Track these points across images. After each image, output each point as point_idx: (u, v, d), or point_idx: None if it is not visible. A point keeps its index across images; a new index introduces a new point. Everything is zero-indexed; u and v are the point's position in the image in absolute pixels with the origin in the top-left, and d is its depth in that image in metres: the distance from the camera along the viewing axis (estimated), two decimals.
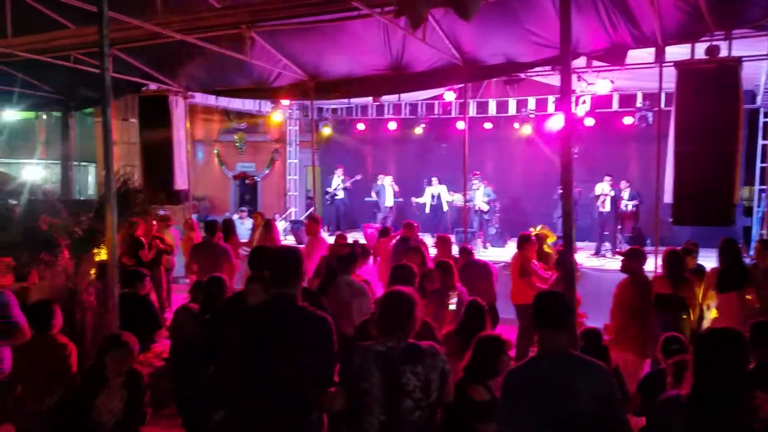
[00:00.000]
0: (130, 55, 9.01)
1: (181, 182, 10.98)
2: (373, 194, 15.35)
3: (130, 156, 12.82)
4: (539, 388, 2.81)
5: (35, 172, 17.72)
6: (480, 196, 13.40)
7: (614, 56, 7.92)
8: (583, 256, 11.70)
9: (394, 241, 8.76)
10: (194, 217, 12.28)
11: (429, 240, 10.04)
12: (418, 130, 15.80)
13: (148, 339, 5.33)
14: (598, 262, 11.36)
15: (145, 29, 7.10)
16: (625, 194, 12.36)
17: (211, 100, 14.53)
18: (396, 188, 15.19)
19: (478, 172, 13.67)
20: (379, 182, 15.24)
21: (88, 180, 19.58)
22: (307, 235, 8.99)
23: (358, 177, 15.60)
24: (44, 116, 17.95)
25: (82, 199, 15.07)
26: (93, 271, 5.29)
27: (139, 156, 11.40)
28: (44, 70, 9.43)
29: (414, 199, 14.82)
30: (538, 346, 2.97)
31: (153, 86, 10.71)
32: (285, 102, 15.42)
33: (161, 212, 10.45)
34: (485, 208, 13.40)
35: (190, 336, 4.53)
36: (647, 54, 8.27)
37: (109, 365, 3.98)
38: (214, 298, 4.51)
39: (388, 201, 15.06)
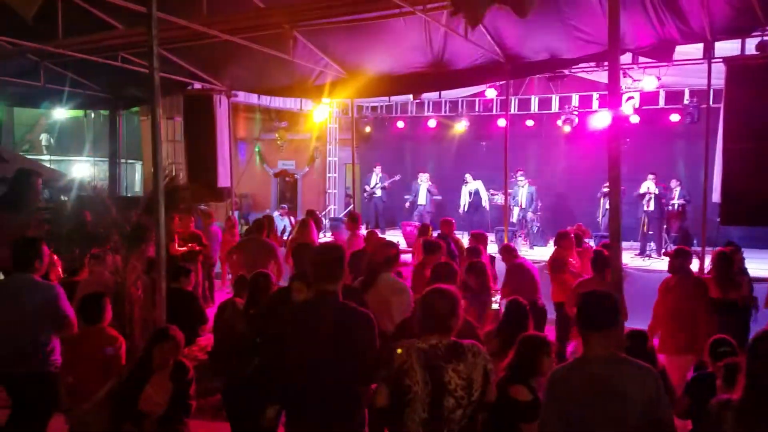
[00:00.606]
0: (175, 55, 9.19)
1: (224, 179, 11.17)
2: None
3: (176, 154, 13.09)
4: (586, 390, 2.75)
5: (84, 169, 18.24)
6: (524, 194, 13.27)
7: (661, 52, 7.75)
8: (627, 256, 11.46)
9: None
10: (236, 214, 12.47)
11: (466, 240, 9.95)
12: (459, 128, 15.71)
13: (193, 333, 5.44)
14: (643, 263, 11.12)
15: (191, 29, 7.24)
16: (676, 193, 12.06)
17: (252, 98, 14.73)
18: (434, 189, 15.12)
19: (522, 170, 13.54)
20: (418, 181, 15.23)
21: (135, 177, 20.06)
22: (347, 231, 9.05)
23: (397, 177, 15.61)
24: (92, 115, 18.46)
25: (129, 195, 15.46)
26: (141, 266, 5.42)
27: (184, 154, 11.64)
28: (93, 69, 9.70)
29: (494, 198, 14.58)
30: (583, 347, 2.91)
31: (198, 85, 10.91)
32: (326, 100, 15.52)
33: (203, 209, 10.63)
34: (528, 206, 13.27)
35: (234, 331, 4.60)
36: (695, 50, 8.07)
37: (156, 358, 4.07)
38: (259, 294, 4.57)
39: (421, 199, 15.04)
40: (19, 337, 4.25)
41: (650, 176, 12.12)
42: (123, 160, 13.16)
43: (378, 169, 15.61)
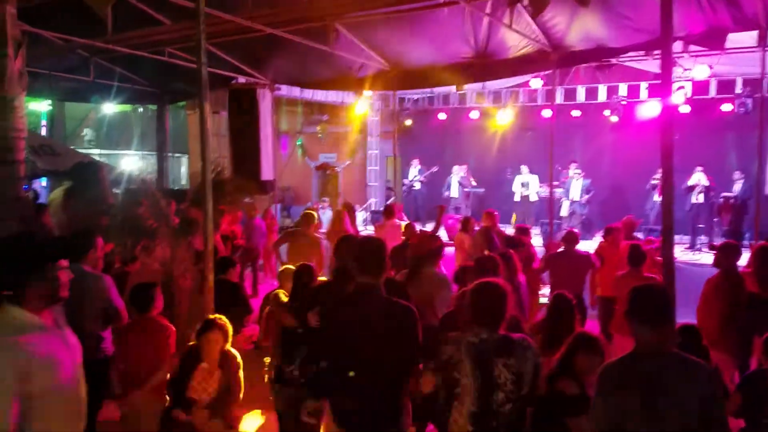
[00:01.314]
0: (220, 50, 9.30)
1: (267, 172, 11.29)
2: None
3: (220, 147, 13.29)
4: (640, 387, 2.69)
5: (132, 163, 18.69)
6: (578, 187, 13.09)
7: (713, 40, 7.47)
8: (677, 250, 11.17)
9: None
10: (278, 207, 12.62)
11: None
12: (502, 119, 15.53)
13: (239, 323, 5.51)
14: (693, 256, 10.83)
15: (236, 23, 7.31)
16: (738, 186, 11.69)
17: (295, 92, 14.83)
18: (466, 181, 15.01)
19: (576, 162, 13.34)
20: (451, 174, 15.19)
21: (181, 170, 20.47)
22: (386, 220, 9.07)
23: (435, 169, 15.54)
24: (140, 109, 18.89)
25: (176, 188, 15.78)
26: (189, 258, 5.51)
27: (228, 147, 11.80)
28: (140, 64, 9.91)
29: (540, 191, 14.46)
30: (635, 342, 2.84)
31: (242, 80, 11.03)
32: (367, 93, 15.52)
33: (248, 202, 10.78)
34: (581, 199, 13.12)
35: (278, 322, 4.64)
36: (749, 37, 7.79)
37: (205, 347, 4.15)
38: (302, 286, 4.61)
39: (453, 192, 14.96)
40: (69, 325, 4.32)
41: (698, 168, 11.80)
42: (170, 154, 13.42)
43: (416, 162, 15.57)
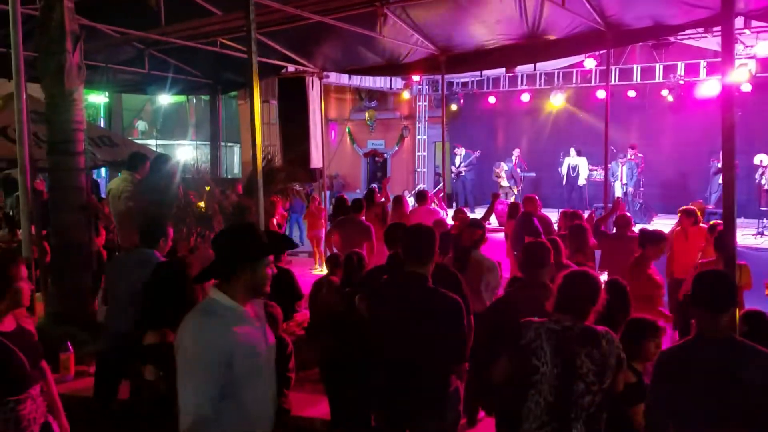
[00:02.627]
0: (270, 39, 9.38)
1: (316, 160, 11.38)
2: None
3: (271, 136, 13.46)
4: (699, 375, 2.60)
5: (187, 152, 19.13)
6: (624, 169, 12.77)
7: None
8: (740, 234, 10.75)
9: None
10: (327, 194, 12.73)
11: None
12: (555, 101, 15.22)
13: (290, 308, 5.59)
14: (755, 241, 10.41)
15: (285, 12, 7.36)
16: None
17: (343, 79, 14.88)
18: (516, 168, 14.81)
19: (635, 145, 13.00)
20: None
21: (234, 159, 20.85)
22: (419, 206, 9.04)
23: (477, 153, 15.40)
24: (194, 99, 19.29)
25: (229, 177, 16.09)
26: None
27: (278, 135, 11.93)
28: (193, 55, 10.09)
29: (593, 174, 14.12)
30: (696, 328, 2.75)
31: (291, 68, 11.12)
32: (415, 78, 15.43)
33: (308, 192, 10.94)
34: (629, 181, 12.79)
35: (331, 308, 4.69)
36: None
37: None
38: (353, 272, 4.63)
39: (503, 181, 14.80)
40: (132, 307, 4.43)
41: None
42: (222, 143, 13.67)
43: (461, 150, 15.45)
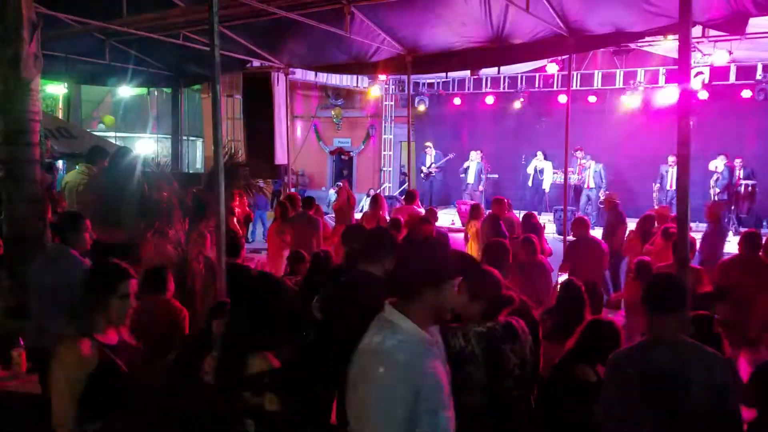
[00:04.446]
0: (235, 33, 9.28)
1: (281, 157, 11.30)
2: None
3: (235, 131, 13.32)
4: (651, 375, 2.68)
5: (148, 146, 18.77)
6: (590, 173, 13.04)
7: (733, 25, 7.31)
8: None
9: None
10: (292, 191, 12.66)
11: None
12: (517, 104, 15.41)
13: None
14: None
15: (250, 6, 7.28)
16: (740, 172, 11.57)
17: (309, 76, 14.80)
18: (485, 168, 14.96)
19: (580, 148, 13.23)
20: (469, 160, 15.11)
21: (197, 154, 20.54)
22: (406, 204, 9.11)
23: (452, 155, 15.49)
24: (156, 92, 18.92)
25: (191, 172, 15.85)
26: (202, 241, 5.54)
27: (242, 131, 11.81)
28: (155, 47, 9.91)
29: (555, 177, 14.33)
30: (648, 330, 2.83)
31: (256, 63, 11.02)
32: (382, 77, 15.45)
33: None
34: (598, 185, 13.07)
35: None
36: None
37: (216, 330, 4.17)
38: (318, 272, 4.63)
39: (470, 178, 14.91)
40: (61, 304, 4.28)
41: (720, 156, 11.66)
42: (185, 137, 13.46)
43: (430, 149, 15.50)
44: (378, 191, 17.13)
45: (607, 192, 11.04)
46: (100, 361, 2.66)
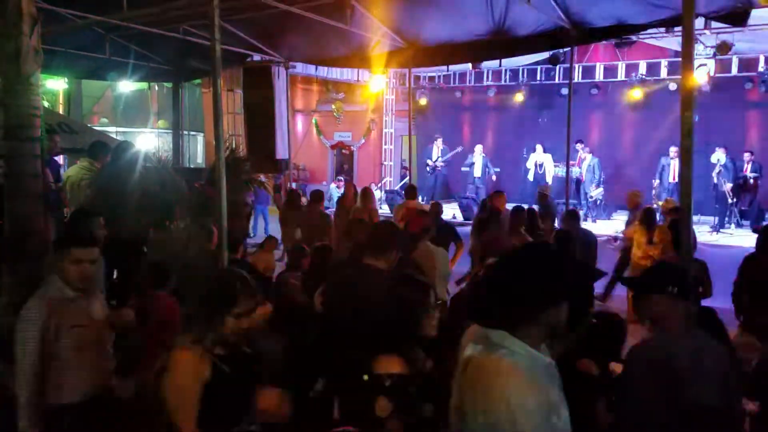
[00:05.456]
0: (235, 27, 9.24)
1: (282, 151, 11.29)
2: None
3: (236, 126, 13.28)
4: (667, 368, 2.68)
5: (148, 141, 18.74)
6: (585, 166, 13.00)
7: (735, 17, 7.27)
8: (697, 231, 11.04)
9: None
10: (293, 185, 12.65)
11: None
12: (519, 97, 15.37)
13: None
14: (711, 237, 10.71)
15: (251, 0, 7.25)
16: (749, 166, 11.54)
17: (310, 70, 14.75)
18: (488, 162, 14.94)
19: (581, 141, 13.20)
20: (475, 154, 15.07)
21: (197, 149, 20.51)
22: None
23: (459, 149, 15.44)
24: (156, 87, 18.90)
25: (192, 167, 15.83)
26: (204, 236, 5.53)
27: (243, 125, 11.79)
28: (156, 42, 9.87)
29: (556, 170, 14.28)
30: (674, 320, 2.83)
31: (257, 57, 10.99)
32: (383, 71, 15.39)
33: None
34: (591, 179, 13.01)
35: (293, 300, 4.66)
36: None
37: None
38: (320, 265, 4.62)
39: (476, 172, 14.88)
40: None
41: (719, 149, 11.63)
42: (186, 132, 13.43)
43: (439, 142, 15.46)
44: (379, 186, 17.12)
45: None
46: (215, 371, 2.52)
